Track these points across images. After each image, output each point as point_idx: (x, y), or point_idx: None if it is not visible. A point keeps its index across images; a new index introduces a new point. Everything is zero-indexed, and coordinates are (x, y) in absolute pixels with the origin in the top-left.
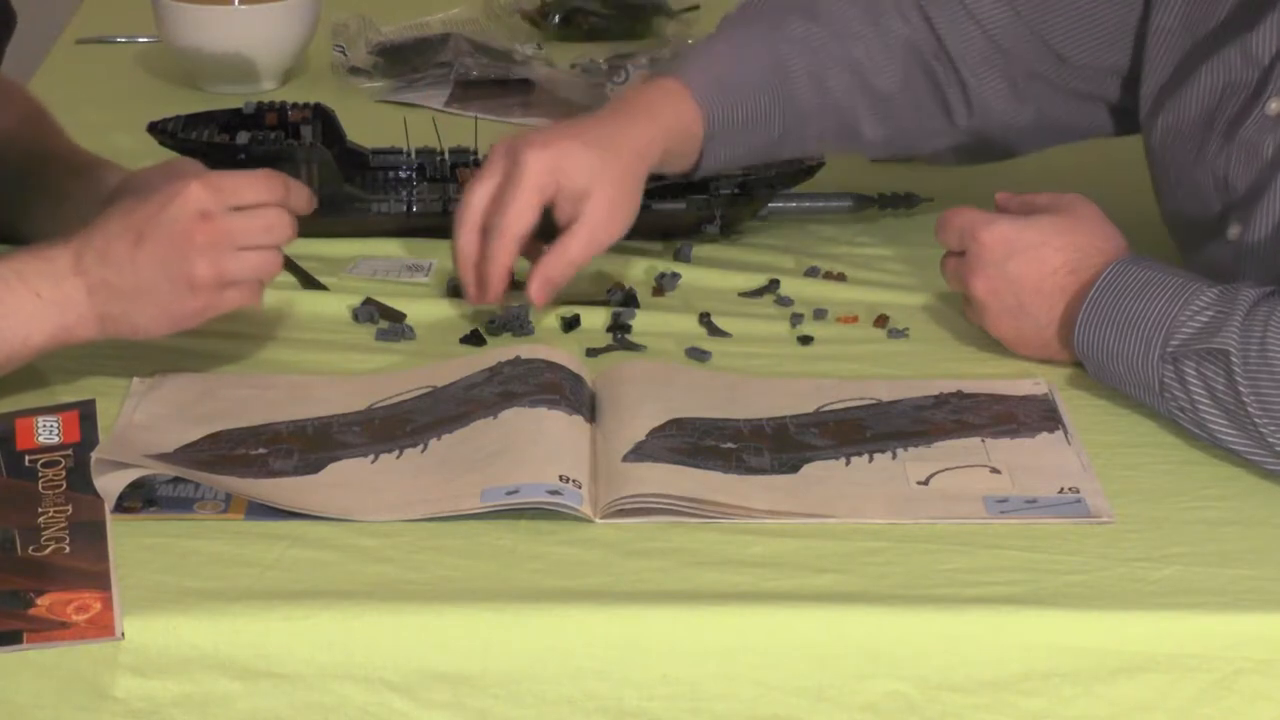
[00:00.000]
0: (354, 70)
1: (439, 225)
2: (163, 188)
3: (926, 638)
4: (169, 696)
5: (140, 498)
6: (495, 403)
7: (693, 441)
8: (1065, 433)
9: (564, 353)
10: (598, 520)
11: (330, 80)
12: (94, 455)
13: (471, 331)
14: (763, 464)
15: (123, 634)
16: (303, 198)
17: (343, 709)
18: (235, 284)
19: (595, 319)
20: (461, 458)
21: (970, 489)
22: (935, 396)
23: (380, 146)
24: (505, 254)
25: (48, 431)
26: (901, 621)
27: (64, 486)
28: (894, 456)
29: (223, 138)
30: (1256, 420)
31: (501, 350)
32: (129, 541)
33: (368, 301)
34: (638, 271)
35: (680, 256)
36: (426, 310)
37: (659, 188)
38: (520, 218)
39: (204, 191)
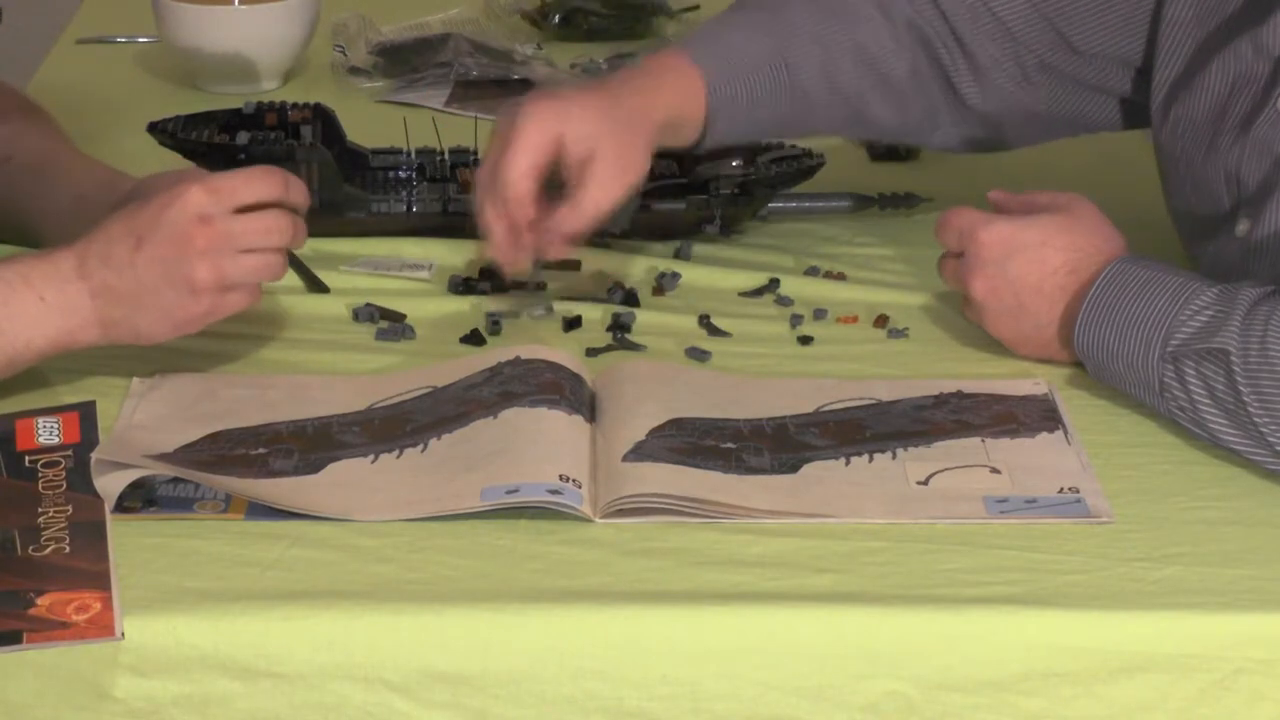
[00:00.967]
0: (354, 70)
1: (439, 225)
2: (164, 191)
3: (926, 638)
4: (169, 696)
5: (140, 498)
6: (495, 403)
7: (693, 441)
8: (1065, 433)
9: (564, 353)
10: (597, 520)
11: (330, 80)
12: (94, 455)
13: (471, 331)
14: (763, 464)
15: (123, 634)
16: (300, 193)
17: (343, 709)
18: (236, 287)
19: (595, 319)
20: (461, 457)
21: (970, 489)
22: (935, 396)
23: (380, 146)
24: (510, 209)
25: (48, 432)
26: (901, 621)
27: (64, 487)
28: (894, 456)
29: (223, 138)
30: (1257, 420)
31: (501, 350)
32: (129, 541)
33: (368, 303)
34: (638, 271)
35: (680, 256)
36: (426, 310)
37: (659, 188)
38: (516, 169)
39: (203, 194)
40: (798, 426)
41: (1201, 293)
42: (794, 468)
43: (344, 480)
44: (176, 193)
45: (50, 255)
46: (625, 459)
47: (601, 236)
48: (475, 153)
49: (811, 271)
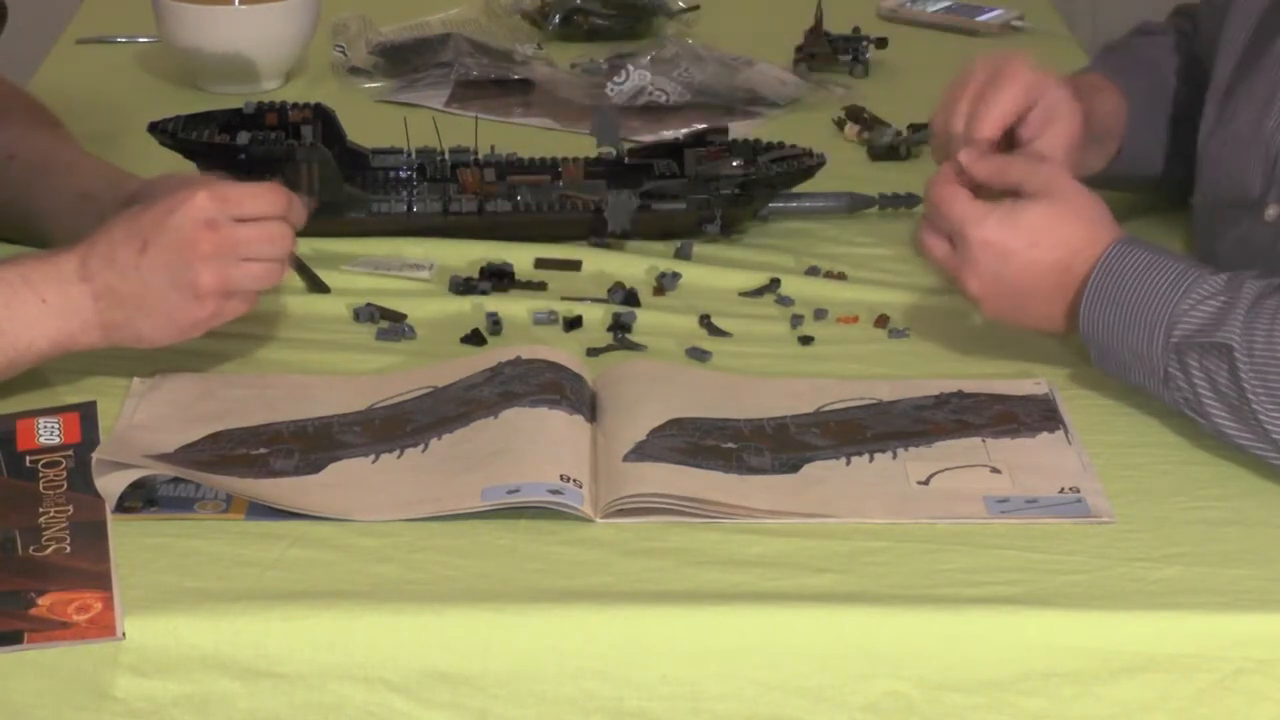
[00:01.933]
0: (354, 70)
1: (439, 225)
2: (168, 196)
3: (927, 638)
4: (169, 696)
5: (141, 498)
6: (496, 402)
7: (693, 441)
8: (1066, 433)
9: (564, 353)
10: (598, 520)
11: (330, 80)
12: (94, 455)
13: (472, 331)
14: (763, 464)
15: (123, 634)
16: (301, 213)
17: (343, 709)
18: (238, 294)
19: (595, 319)
20: (462, 457)
21: (970, 489)
22: (936, 396)
23: (380, 146)
24: (983, 126)
25: (48, 432)
26: (901, 621)
27: (65, 487)
28: (894, 456)
29: (223, 138)
30: (1260, 416)
31: (502, 350)
32: (130, 541)
33: (368, 303)
34: (638, 271)
35: (681, 256)
36: (427, 310)
37: (658, 188)
38: (1000, 104)
39: (210, 201)
40: (798, 426)
41: (1204, 281)
42: (795, 468)
43: (345, 480)
44: (182, 198)
45: (52, 257)
46: (626, 459)
47: (601, 237)
48: (475, 153)
49: (812, 271)
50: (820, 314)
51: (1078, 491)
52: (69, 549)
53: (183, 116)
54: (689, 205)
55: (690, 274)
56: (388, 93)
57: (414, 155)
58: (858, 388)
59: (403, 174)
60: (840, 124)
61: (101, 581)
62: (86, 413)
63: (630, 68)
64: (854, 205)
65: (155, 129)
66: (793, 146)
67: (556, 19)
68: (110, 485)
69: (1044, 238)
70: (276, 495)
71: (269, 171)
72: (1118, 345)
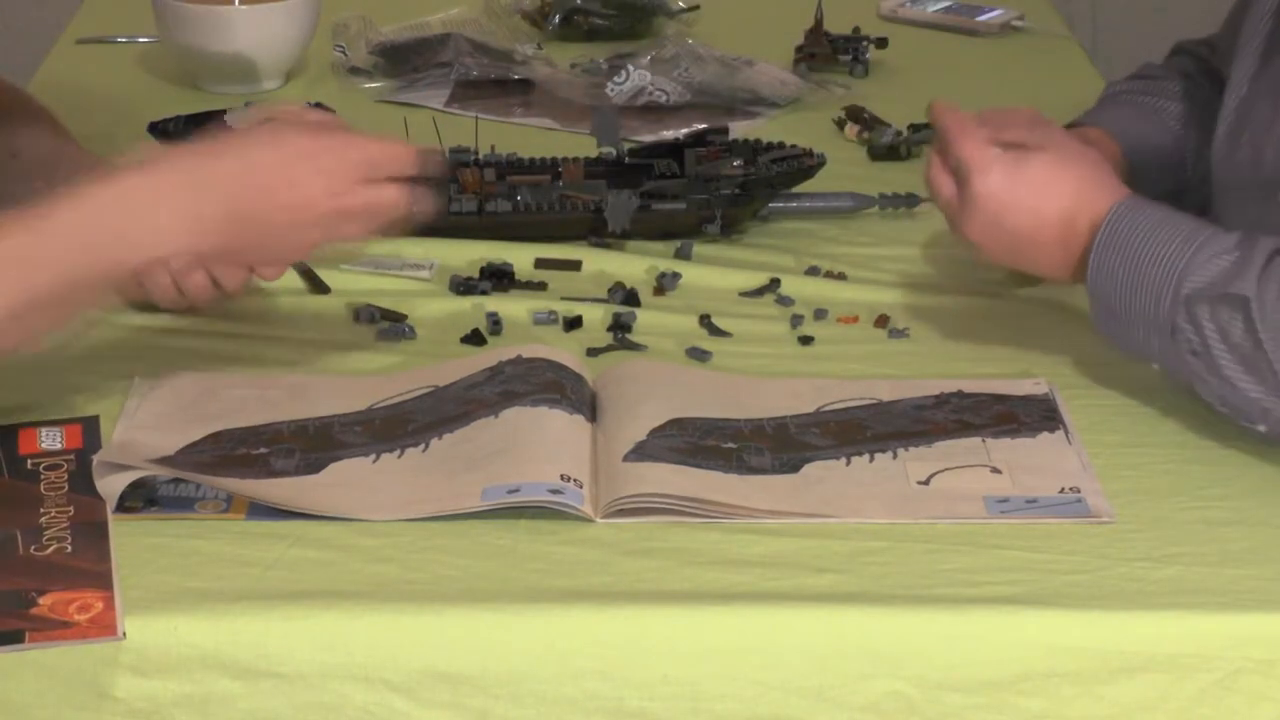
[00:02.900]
0: (354, 70)
1: (439, 225)
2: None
3: (927, 638)
4: (170, 696)
5: (141, 498)
6: (496, 402)
7: (693, 441)
8: (1066, 432)
9: (565, 352)
10: (598, 520)
11: (330, 80)
12: (95, 458)
13: (472, 331)
14: (763, 464)
15: (124, 634)
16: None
17: (343, 708)
18: (354, 216)
19: (596, 319)
20: (462, 457)
21: (971, 489)
22: (936, 396)
23: None
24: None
25: (50, 439)
26: (902, 621)
27: (65, 488)
28: (894, 456)
29: None
30: (1276, 366)
31: (502, 350)
32: (130, 541)
33: (369, 303)
34: (639, 271)
35: (681, 256)
36: (427, 310)
37: (658, 188)
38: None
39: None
40: (799, 426)
41: (1218, 237)
42: (795, 467)
43: (345, 480)
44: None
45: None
46: (626, 459)
47: (601, 237)
48: (475, 153)
49: (812, 271)
50: (820, 314)
51: (1078, 491)
52: (70, 549)
53: (183, 116)
54: (689, 205)
55: (690, 274)
56: (388, 93)
57: None
58: (858, 388)
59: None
60: (840, 124)
61: (102, 581)
62: (89, 425)
63: (630, 68)
64: (854, 205)
65: (155, 129)
66: (793, 146)
67: (556, 19)
68: (111, 485)
69: (1049, 189)
70: (277, 495)
71: None
72: (1125, 297)
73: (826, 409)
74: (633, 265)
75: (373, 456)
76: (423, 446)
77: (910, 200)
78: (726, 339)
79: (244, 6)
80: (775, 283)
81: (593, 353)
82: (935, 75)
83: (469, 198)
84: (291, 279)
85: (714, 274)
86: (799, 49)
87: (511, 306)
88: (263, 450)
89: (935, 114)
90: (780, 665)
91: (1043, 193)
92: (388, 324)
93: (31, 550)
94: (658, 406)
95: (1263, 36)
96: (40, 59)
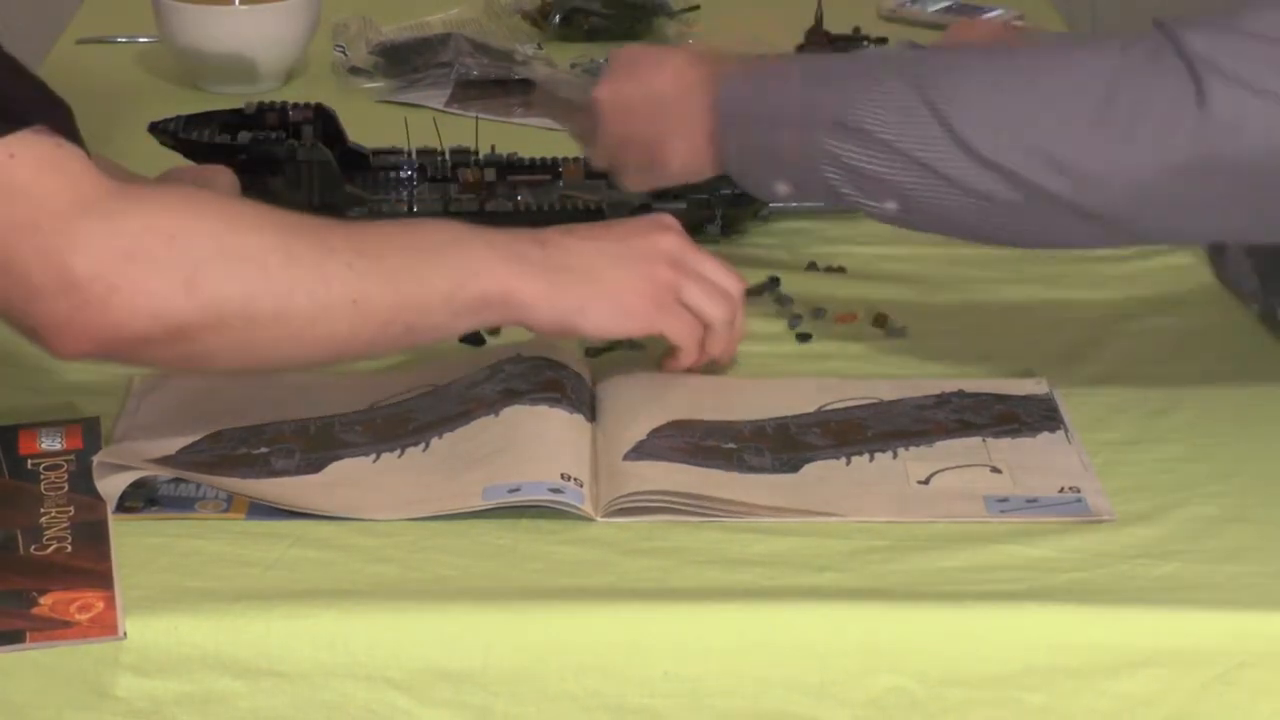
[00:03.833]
0: (354, 70)
1: None
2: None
3: (928, 634)
4: (171, 696)
5: (142, 497)
6: (497, 400)
7: (694, 442)
8: (1066, 432)
9: (564, 351)
10: (599, 519)
11: (330, 80)
12: (95, 459)
13: (471, 331)
14: (764, 464)
15: (125, 633)
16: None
17: (345, 707)
18: (685, 313)
19: None
20: (463, 456)
21: (971, 488)
22: (936, 396)
23: (381, 146)
24: None
25: (50, 440)
26: (903, 617)
27: (66, 488)
28: (895, 456)
29: (223, 138)
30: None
31: (502, 348)
32: (131, 541)
33: None
34: None
35: None
36: None
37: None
38: None
39: (677, 239)
40: (799, 427)
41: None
42: (795, 467)
43: (346, 479)
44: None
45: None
46: (626, 458)
47: None
48: (475, 153)
49: (811, 266)
50: (819, 313)
51: (1078, 491)
52: (70, 548)
53: (183, 116)
54: (689, 205)
55: None
56: (388, 93)
57: (414, 155)
58: (858, 387)
59: (403, 174)
60: None
61: (103, 581)
62: (89, 426)
63: None
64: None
65: (155, 129)
66: None
67: (556, 19)
68: (111, 485)
69: (654, 75)
70: (277, 495)
71: (269, 171)
72: (766, 131)
73: (827, 409)
74: None
75: (373, 456)
76: (423, 446)
77: None
78: None
79: (244, 6)
80: (775, 281)
81: (592, 352)
82: None
83: (469, 198)
84: None
85: None
86: (799, 49)
87: None
88: (263, 450)
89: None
90: (782, 662)
91: (650, 79)
92: None
93: (32, 550)
94: (658, 407)
95: None
96: (40, 59)
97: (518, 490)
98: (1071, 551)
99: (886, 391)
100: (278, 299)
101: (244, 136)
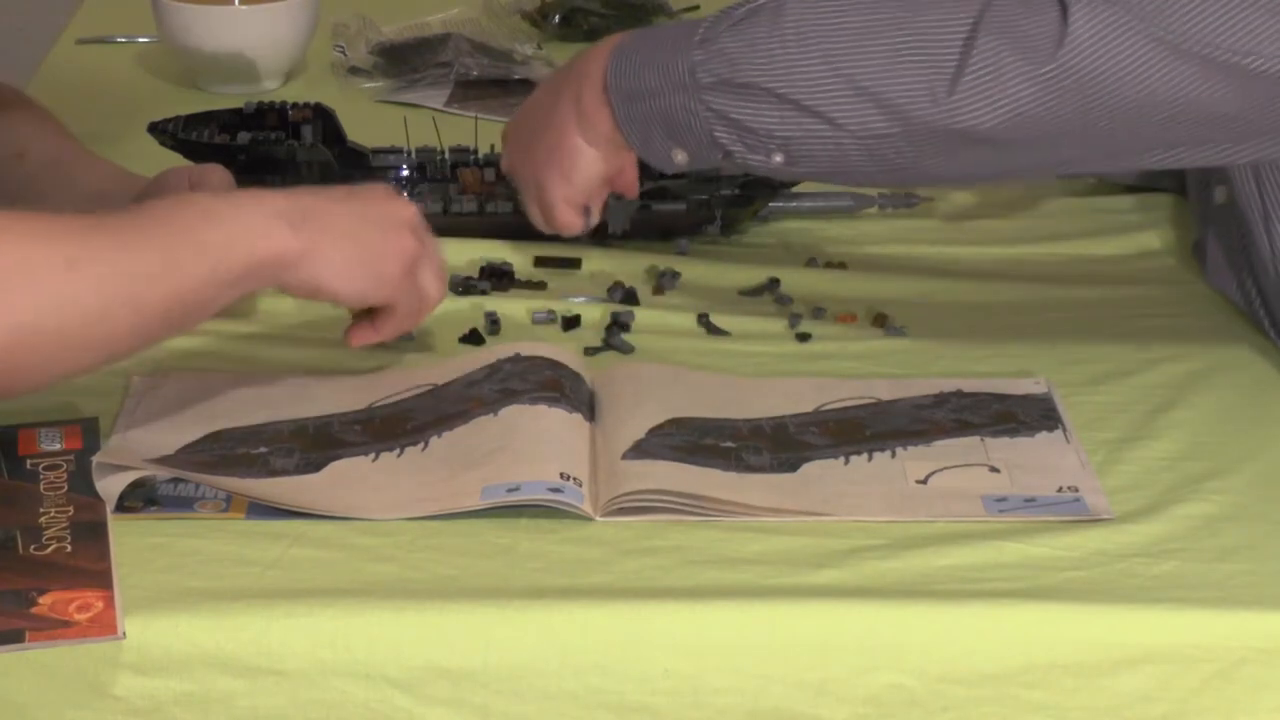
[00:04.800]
0: (354, 70)
1: (439, 225)
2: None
3: (927, 631)
4: (170, 695)
5: (141, 497)
6: (495, 399)
7: (692, 441)
8: (1064, 432)
9: (563, 350)
10: (598, 518)
11: (330, 80)
12: (95, 459)
13: (470, 331)
14: (762, 463)
15: (124, 633)
16: None
17: (344, 706)
18: (418, 290)
19: (595, 318)
20: (462, 455)
21: (969, 488)
22: (935, 395)
23: (380, 146)
24: None
25: (50, 440)
26: (902, 615)
27: (65, 488)
28: (893, 455)
29: (223, 138)
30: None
31: (501, 348)
32: (130, 541)
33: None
34: (638, 270)
35: (680, 252)
36: None
37: (658, 188)
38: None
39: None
40: (797, 426)
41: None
42: (793, 467)
43: (345, 479)
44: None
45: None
46: (625, 457)
47: (602, 237)
48: (475, 152)
49: (811, 263)
50: (818, 313)
51: (1076, 491)
52: (70, 548)
53: (183, 116)
54: (689, 205)
55: (690, 272)
56: (388, 93)
57: (414, 155)
58: (857, 387)
59: (403, 174)
60: None
61: (102, 580)
62: (88, 426)
63: None
64: (854, 205)
65: (155, 129)
66: None
67: (556, 19)
68: (110, 485)
69: (537, 96)
70: (277, 494)
71: (269, 171)
72: (652, 77)
73: (825, 408)
74: (632, 264)
75: (372, 455)
76: (422, 445)
77: (910, 200)
78: (726, 338)
79: (244, 6)
80: (774, 281)
81: (591, 352)
82: None
83: (469, 198)
84: None
85: (713, 273)
86: None
87: (510, 306)
88: (262, 449)
89: None
90: (781, 659)
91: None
92: None
93: (31, 550)
94: (656, 406)
95: None
96: (40, 59)
97: (517, 489)
98: (1070, 550)
99: (885, 391)
100: (61, 309)
101: (243, 137)
